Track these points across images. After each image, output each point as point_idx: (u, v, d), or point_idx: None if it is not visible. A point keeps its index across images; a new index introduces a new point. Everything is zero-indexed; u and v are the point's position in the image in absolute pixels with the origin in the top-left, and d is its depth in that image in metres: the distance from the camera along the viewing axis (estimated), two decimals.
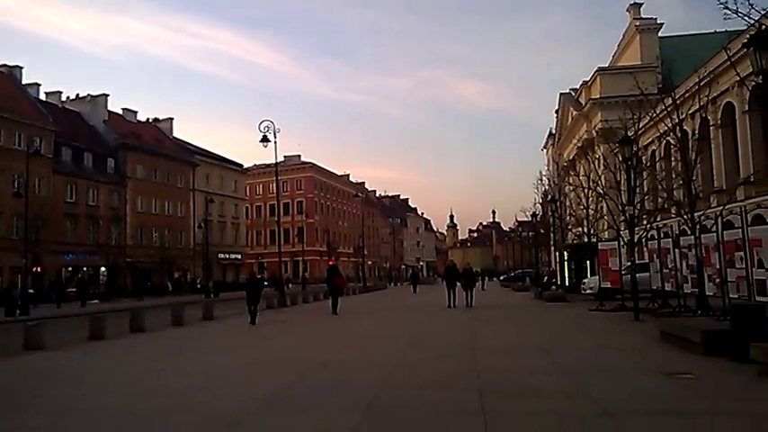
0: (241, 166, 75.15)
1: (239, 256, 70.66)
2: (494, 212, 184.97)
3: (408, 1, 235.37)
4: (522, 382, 8.05)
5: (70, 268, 48.38)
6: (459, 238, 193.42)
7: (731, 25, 12.91)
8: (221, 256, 64.94)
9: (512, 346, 12.03)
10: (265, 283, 36.87)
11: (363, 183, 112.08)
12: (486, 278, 58.17)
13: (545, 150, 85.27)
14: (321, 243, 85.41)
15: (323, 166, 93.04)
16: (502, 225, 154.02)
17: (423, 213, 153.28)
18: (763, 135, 29.41)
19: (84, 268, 49.53)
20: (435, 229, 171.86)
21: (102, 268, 50.67)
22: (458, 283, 24.04)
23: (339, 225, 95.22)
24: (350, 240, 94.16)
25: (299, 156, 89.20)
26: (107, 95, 57.81)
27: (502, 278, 70.52)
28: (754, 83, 26.06)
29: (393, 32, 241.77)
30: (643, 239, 21.96)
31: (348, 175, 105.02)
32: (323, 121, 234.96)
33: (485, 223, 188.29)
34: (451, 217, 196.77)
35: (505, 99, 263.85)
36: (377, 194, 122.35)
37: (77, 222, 49.03)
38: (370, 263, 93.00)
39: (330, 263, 77.91)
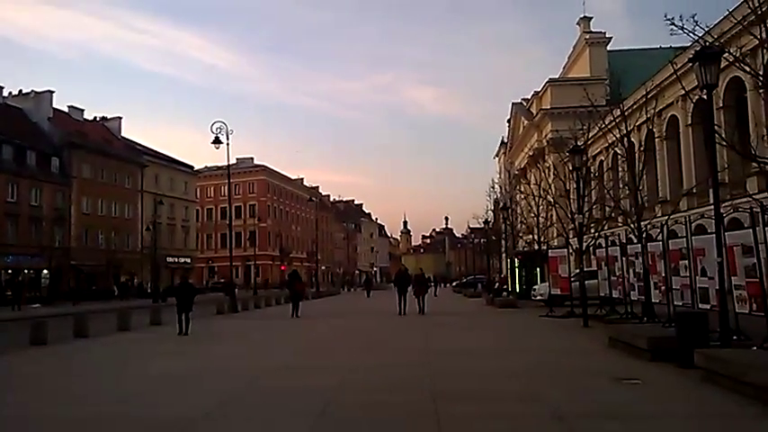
0: (192, 167, 73.71)
1: (189, 260, 69.19)
2: (447, 219, 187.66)
3: (364, 4, 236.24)
4: (475, 387, 8.09)
5: (10, 271, 46.37)
6: (413, 244, 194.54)
7: (676, 41, 13.38)
8: (170, 259, 63.43)
9: (465, 350, 12.09)
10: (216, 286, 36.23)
11: (317, 187, 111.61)
12: (440, 284, 58.62)
13: (497, 158, 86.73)
14: (273, 247, 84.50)
15: (276, 169, 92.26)
16: (455, 231, 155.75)
17: (377, 219, 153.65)
18: (705, 147, 30.61)
19: (26, 270, 47.58)
20: (389, 235, 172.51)
21: (45, 271, 48.76)
22: (409, 290, 23.54)
23: (292, 229, 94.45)
24: (303, 245, 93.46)
25: (252, 158, 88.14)
26: (52, 92, 55.81)
27: (454, 284, 71.22)
28: (697, 97, 27.12)
29: (347, 35, 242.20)
30: (591, 247, 22.51)
31: (302, 180, 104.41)
32: (276, 123, 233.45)
33: (438, 229, 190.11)
34: (405, 223, 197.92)
35: (460, 106, 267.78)
36: (331, 199, 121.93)
37: (18, 223, 47.06)
38: (323, 268, 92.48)
39: (282, 267, 77.55)
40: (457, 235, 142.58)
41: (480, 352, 11.83)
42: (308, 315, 24.24)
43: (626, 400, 7.12)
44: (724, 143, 11.70)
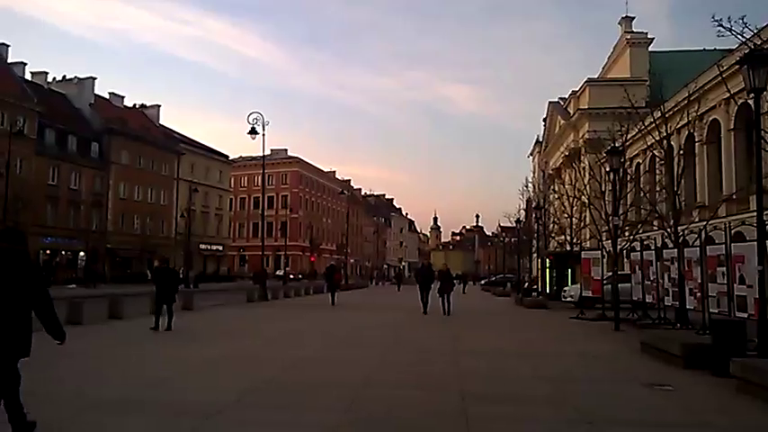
0: (227, 157, 74.65)
1: (221, 248, 70.20)
2: (477, 217, 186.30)
3: (398, 1, 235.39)
4: (504, 388, 8.03)
5: (48, 251, 47.67)
6: (442, 240, 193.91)
7: (720, 43, 13.07)
8: (203, 246, 64.44)
9: (494, 350, 12.02)
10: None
11: (349, 180, 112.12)
12: (469, 282, 58.37)
13: (531, 157, 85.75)
14: (304, 238, 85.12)
15: (309, 161, 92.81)
16: (485, 230, 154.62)
17: (407, 214, 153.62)
18: (747, 153, 29.80)
19: (63, 252, 48.81)
20: (419, 231, 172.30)
21: (81, 253, 49.99)
22: (433, 287, 21.57)
23: (323, 221, 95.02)
24: (333, 237, 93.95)
25: (286, 150, 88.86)
26: (94, 79, 57.08)
27: (483, 282, 70.82)
28: (742, 101, 26.39)
29: (384, 31, 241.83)
30: (625, 251, 22.14)
31: (334, 172, 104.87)
32: (311, 116, 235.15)
33: (468, 227, 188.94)
34: (435, 219, 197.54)
35: (494, 104, 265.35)
36: (362, 192, 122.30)
37: (58, 206, 48.33)
38: (352, 261, 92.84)
39: (312, 258, 78.17)
40: (487, 233, 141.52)
41: (510, 353, 11.75)
42: (340, 306, 24.51)
43: (658, 407, 6.99)
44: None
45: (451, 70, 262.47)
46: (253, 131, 27.74)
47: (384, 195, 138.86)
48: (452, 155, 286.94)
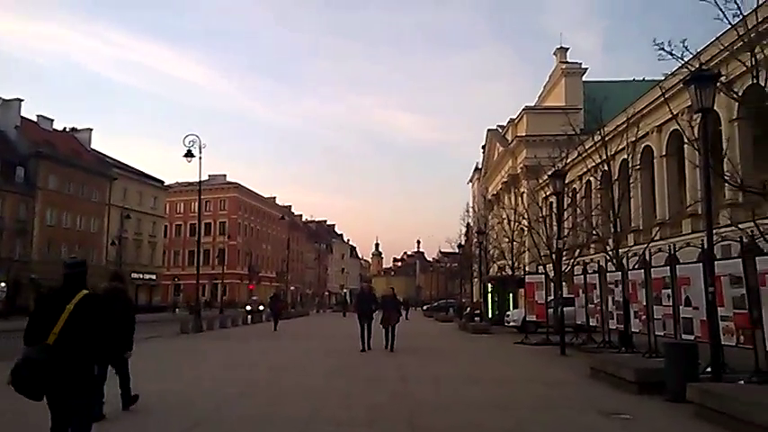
0: (162, 182, 72.32)
1: (154, 277, 67.48)
2: (419, 242, 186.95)
3: (344, 28, 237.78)
4: (458, 420, 7.55)
5: None
6: (384, 266, 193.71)
7: (649, 74, 13.32)
8: (135, 275, 61.68)
9: (443, 378, 11.53)
10: None
11: (290, 206, 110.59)
12: (410, 307, 58.03)
13: (471, 184, 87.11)
14: (243, 266, 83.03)
15: (248, 187, 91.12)
16: (426, 255, 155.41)
17: (349, 240, 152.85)
18: (679, 178, 30.92)
19: None
20: (360, 257, 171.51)
21: (2, 284, 46.86)
22: (375, 316, 17.58)
23: (262, 248, 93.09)
24: (273, 264, 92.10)
25: (225, 175, 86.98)
26: (21, 100, 54.30)
27: (425, 308, 70.67)
28: (673, 129, 27.32)
29: (326, 57, 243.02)
30: (567, 273, 22.27)
31: (274, 198, 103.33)
32: (252, 141, 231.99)
33: (409, 252, 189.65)
34: (377, 245, 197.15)
35: (435, 131, 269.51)
36: (303, 219, 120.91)
37: None
38: (293, 288, 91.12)
39: (251, 287, 76.17)
40: (428, 259, 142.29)
41: (459, 380, 11.32)
42: (283, 335, 23.52)
43: None
44: (726, 175, 11.46)
45: (395, 97, 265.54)
46: (189, 154, 26.73)
47: (326, 221, 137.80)
48: (395, 181, 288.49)
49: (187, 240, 79.82)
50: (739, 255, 10.31)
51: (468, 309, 40.66)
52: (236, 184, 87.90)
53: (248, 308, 46.58)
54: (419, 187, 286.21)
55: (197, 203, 41.57)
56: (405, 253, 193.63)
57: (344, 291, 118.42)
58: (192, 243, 65.41)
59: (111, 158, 65.54)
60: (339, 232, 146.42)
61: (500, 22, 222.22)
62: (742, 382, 9.21)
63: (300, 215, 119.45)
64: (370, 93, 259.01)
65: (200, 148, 27.06)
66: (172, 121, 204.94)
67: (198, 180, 30.63)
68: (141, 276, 63.69)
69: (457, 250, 49.74)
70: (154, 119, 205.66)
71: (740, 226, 12.03)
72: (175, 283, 75.26)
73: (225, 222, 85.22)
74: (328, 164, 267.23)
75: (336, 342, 20.38)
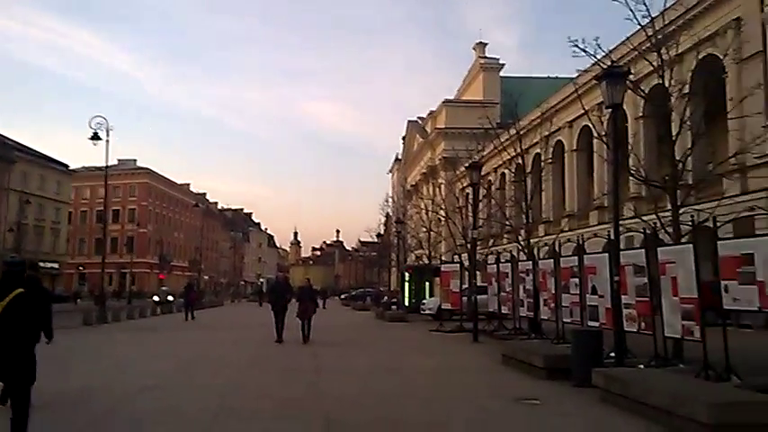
0: (66, 166, 68.20)
1: (56, 266, 63.70)
2: (338, 232, 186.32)
3: (270, 17, 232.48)
4: (373, 412, 7.45)
5: None
6: (303, 255, 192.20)
7: (563, 72, 13.77)
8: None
9: (358, 369, 11.45)
10: None
11: (204, 194, 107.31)
12: (329, 297, 57.85)
13: (391, 174, 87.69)
14: (153, 255, 79.86)
15: (160, 172, 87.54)
16: (345, 245, 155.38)
17: (266, 229, 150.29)
18: (587, 172, 32.33)
19: None
20: (279, 246, 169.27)
21: None
22: (289, 307, 16.87)
23: (175, 236, 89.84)
24: (186, 253, 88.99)
25: (135, 160, 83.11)
26: None
27: (342, 297, 70.62)
28: (583, 125, 28.47)
29: (247, 44, 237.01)
30: (482, 262, 22.78)
31: (188, 185, 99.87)
32: (165, 128, 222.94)
33: (329, 242, 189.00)
34: (295, 234, 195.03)
35: (357, 122, 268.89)
36: (219, 206, 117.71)
37: None
38: (206, 277, 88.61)
39: (161, 276, 73.40)
40: (348, 248, 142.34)
41: (375, 370, 11.25)
42: (194, 326, 22.71)
43: (529, 423, 6.81)
44: (632, 169, 11.92)
45: (318, 88, 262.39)
46: (95, 137, 25.30)
47: (242, 210, 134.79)
48: (316, 171, 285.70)
49: (93, 228, 75.82)
50: (642, 245, 10.78)
51: (386, 297, 40.95)
52: (147, 169, 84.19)
53: (156, 298, 44.76)
54: (340, 177, 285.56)
55: (104, 189, 39.53)
56: (324, 242, 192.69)
57: (261, 280, 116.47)
58: (99, 230, 62.25)
59: (11, 140, 61.08)
60: (257, 221, 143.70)
61: (422, 16, 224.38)
62: (642, 366, 9.67)
63: (216, 203, 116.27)
64: (293, 83, 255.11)
65: (107, 131, 25.72)
66: (86, 107, 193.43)
67: (105, 164, 29.00)
68: (42, 265, 59.89)
69: (376, 240, 49.96)
70: (66, 104, 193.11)
71: (644, 218, 12.60)
72: (80, 272, 71.47)
73: (134, 209, 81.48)
74: (248, 153, 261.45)
75: (251, 332, 19.88)
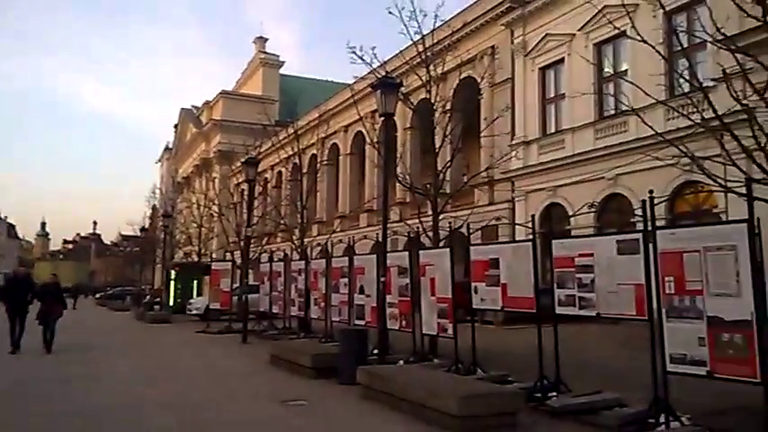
0: None
1: None
2: (95, 223, 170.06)
3: None
4: (121, 425, 6.78)
5: None
6: (52, 248, 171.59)
7: (339, 77, 14.26)
8: None
9: (108, 375, 10.43)
10: None
11: None
12: (81, 295, 52.22)
13: (160, 164, 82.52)
14: None
15: None
16: (103, 238, 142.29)
17: (6, 217, 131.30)
18: (359, 176, 33.79)
19: None
20: (22, 237, 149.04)
21: None
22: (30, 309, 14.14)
23: None
24: None
25: None
26: None
27: (98, 296, 64.35)
28: (357, 130, 29.67)
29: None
30: (254, 261, 22.44)
31: None
32: None
33: (84, 234, 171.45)
34: (43, 224, 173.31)
35: (125, 104, 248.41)
36: None
37: None
38: None
39: None
40: (106, 242, 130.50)
41: (129, 377, 10.36)
42: None
43: (290, 425, 6.77)
44: (399, 176, 12.54)
45: (79, 62, 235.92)
46: None
47: None
48: (70, 155, 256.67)
49: None
50: (405, 248, 11.45)
51: (148, 297, 38.31)
52: None
53: None
54: (103, 164, 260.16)
55: None
56: (78, 234, 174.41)
57: None
58: None
59: None
60: None
61: (204, 1, 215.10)
62: (402, 362, 10.27)
63: None
64: (50, 54, 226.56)
65: None
66: None
67: None
68: None
69: (140, 234, 46.48)
70: None
71: (408, 222, 13.44)
72: None
73: None
74: None
75: None
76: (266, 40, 60.91)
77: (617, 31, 14.19)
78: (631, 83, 9.72)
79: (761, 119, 6.35)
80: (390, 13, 11.76)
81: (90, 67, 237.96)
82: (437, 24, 12.53)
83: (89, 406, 7.76)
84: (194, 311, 25.32)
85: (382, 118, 9.88)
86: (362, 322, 12.18)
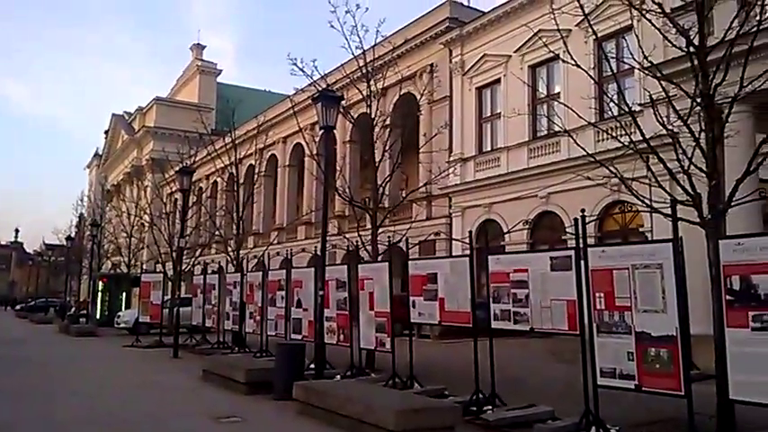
0: None
1: None
2: (17, 231, 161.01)
3: None
4: None
5: None
6: None
7: (276, 87, 14.21)
8: None
9: (30, 391, 9.86)
10: None
11: None
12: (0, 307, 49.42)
13: (89, 170, 79.41)
14: None
15: None
16: (26, 246, 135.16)
17: None
18: (298, 188, 33.52)
19: None
20: None
21: None
22: None
23: None
24: None
25: None
26: None
27: (18, 308, 60.98)
28: (296, 142, 29.48)
29: None
30: (187, 273, 21.86)
31: None
32: None
33: (4, 242, 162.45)
34: None
35: (51, 107, 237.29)
36: None
37: None
38: None
39: None
40: (28, 251, 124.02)
41: (53, 393, 9.81)
42: None
43: None
44: (339, 189, 12.48)
45: (11, 65, 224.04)
46: None
47: None
48: None
49: None
50: (344, 261, 11.42)
51: (74, 309, 36.61)
52: None
53: None
54: (25, 169, 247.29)
55: None
56: None
57: None
58: None
59: None
60: None
61: (137, 3, 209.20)
62: (339, 377, 10.19)
63: None
64: None
65: None
66: None
67: None
68: None
69: (65, 243, 44.43)
70: None
71: (347, 236, 13.41)
72: None
73: None
74: None
75: None
76: (204, 47, 59.86)
77: (551, 55, 14.73)
78: (564, 104, 10.11)
79: (684, 143, 6.70)
80: (332, 26, 11.82)
81: (11, 67, 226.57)
82: (378, 40, 12.63)
83: (5, 424, 7.32)
84: (123, 325, 24.38)
85: (322, 130, 9.84)
86: (299, 336, 12.05)
